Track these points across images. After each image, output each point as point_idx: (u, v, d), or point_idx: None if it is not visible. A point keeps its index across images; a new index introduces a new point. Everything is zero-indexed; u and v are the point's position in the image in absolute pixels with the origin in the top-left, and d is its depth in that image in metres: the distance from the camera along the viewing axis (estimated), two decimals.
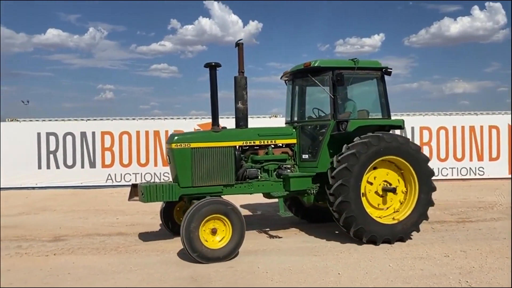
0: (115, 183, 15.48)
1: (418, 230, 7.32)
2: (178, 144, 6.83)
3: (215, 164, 6.96)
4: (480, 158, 16.32)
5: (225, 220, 6.31)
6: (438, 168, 16.19)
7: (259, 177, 7.39)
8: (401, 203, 7.36)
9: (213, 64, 6.96)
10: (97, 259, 6.55)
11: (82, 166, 15.74)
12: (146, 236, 7.90)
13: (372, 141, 6.91)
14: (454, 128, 16.38)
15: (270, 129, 7.99)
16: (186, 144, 6.85)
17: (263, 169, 7.48)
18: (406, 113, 16.97)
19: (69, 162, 15.73)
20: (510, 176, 15.81)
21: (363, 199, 7.03)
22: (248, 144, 7.46)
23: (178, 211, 7.76)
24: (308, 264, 6.07)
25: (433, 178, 7.50)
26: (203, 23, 57.64)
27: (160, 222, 8.11)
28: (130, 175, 15.71)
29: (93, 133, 15.81)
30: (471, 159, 16.34)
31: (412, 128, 16.35)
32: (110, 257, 6.63)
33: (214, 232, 6.28)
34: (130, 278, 5.59)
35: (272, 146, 7.61)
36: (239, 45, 7.27)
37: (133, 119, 16.37)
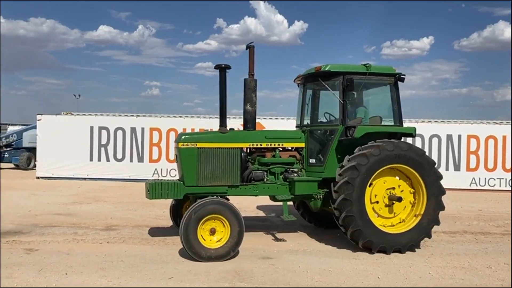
0: (161, 178, 16.08)
1: (429, 237, 7.19)
2: (185, 144, 6.97)
3: (220, 165, 7.02)
4: None
5: (223, 220, 6.42)
6: (485, 178, 15.82)
7: (265, 180, 7.46)
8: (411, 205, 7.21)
9: (223, 66, 7.11)
10: (147, 249, 6.97)
11: (131, 160, 16.53)
12: None
13: (373, 152, 6.75)
14: (504, 137, 15.90)
15: (277, 132, 8.05)
16: (193, 143, 6.97)
17: (270, 171, 7.53)
18: (453, 120, 16.66)
19: (119, 156, 16.55)
20: None
21: (378, 219, 7.00)
22: (255, 146, 7.52)
23: (187, 208, 7.69)
24: (348, 267, 6.21)
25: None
26: (248, 23, 58.36)
27: None
28: (176, 170, 16.23)
29: (142, 129, 16.56)
30: None
31: (459, 136, 16.03)
32: (159, 248, 7.03)
33: (212, 232, 6.42)
34: (178, 268, 5.94)
35: (280, 149, 7.66)
36: (250, 47, 7.34)
37: (180, 116, 16.96)
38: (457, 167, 15.91)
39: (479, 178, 15.83)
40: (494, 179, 15.83)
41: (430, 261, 6.60)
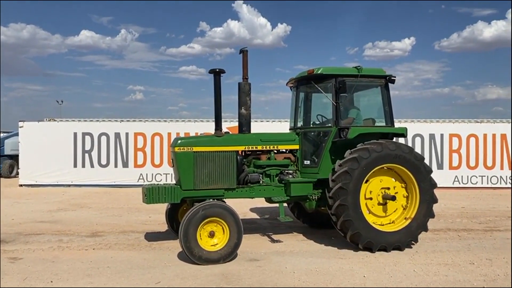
0: (146, 183, 15.96)
1: (416, 241, 7.31)
2: (181, 148, 7.02)
3: (216, 168, 7.09)
4: None
5: (225, 227, 6.47)
6: (468, 176, 16.11)
7: (261, 182, 7.52)
8: (403, 208, 7.34)
9: (217, 70, 7.17)
10: (133, 254, 6.94)
11: (116, 166, 16.39)
12: (177, 235, 8.22)
13: (375, 148, 6.92)
14: (485, 135, 16.22)
15: (272, 134, 8.12)
16: (189, 147, 7.03)
17: (265, 174, 7.60)
18: (435, 119, 16.93)
19: (103, 162, 16.40)
20: None
21: (369, 215, 7.09)
22: (250, 149, 7.59)
23: (182, 212, 7.79)
24: (334, 266, 6.27)
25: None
26: (231, 26, 58.41)
27: None
28: (161, 175, 16.24)
29: (127, 134, 16.45)
30: (502, 168, 16.15)
31: (442, 135, 16.30)
32: (145, 253, 7.01)
33: (211, 235, 6.46)
34: (166, 273, 5.93)
35: (275, 151, 7.74)
36: (243, 52, 7.44)
37: (165, 121, 16.90)
38: (440, 166, 16.17)
39: (462, 176, 16.12)
40: (476, 177, 16.12)
41: (414, 258, 6.71)
